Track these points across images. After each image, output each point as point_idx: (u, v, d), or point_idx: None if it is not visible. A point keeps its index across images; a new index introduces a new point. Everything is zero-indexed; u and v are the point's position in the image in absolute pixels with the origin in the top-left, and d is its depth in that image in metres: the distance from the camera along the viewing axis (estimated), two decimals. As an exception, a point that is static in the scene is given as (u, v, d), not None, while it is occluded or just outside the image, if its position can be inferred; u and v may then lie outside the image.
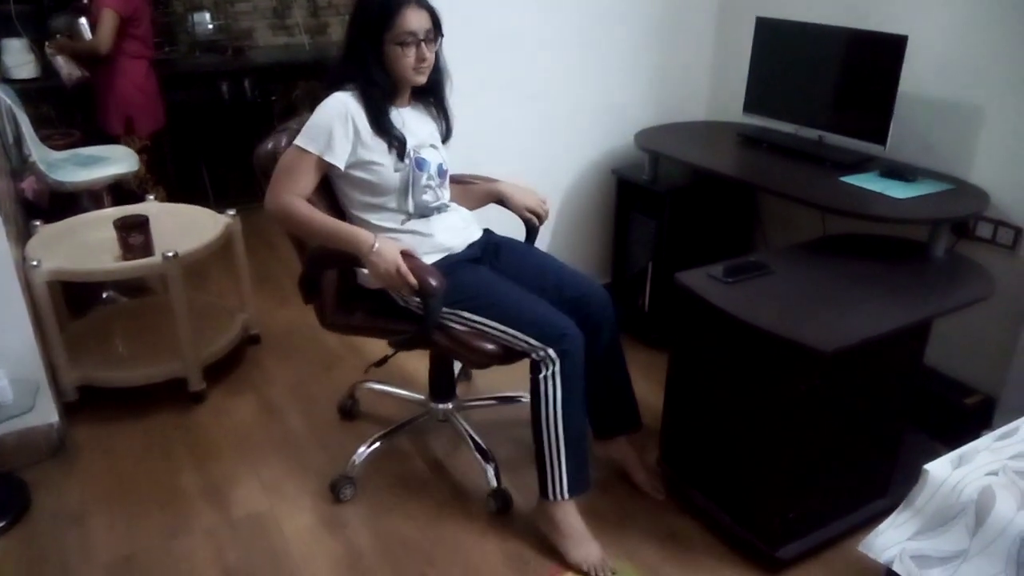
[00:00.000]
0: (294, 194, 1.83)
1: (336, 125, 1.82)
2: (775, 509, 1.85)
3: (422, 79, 1.89)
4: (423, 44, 1.83)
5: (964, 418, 2.29)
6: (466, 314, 1.87)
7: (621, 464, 2.19)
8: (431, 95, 2.01)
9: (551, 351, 1.80)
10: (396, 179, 1.89)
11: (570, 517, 1.92)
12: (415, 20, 1.81)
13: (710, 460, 2.01)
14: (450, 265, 1.92)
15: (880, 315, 1.78)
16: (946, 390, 2.37)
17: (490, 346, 1.87)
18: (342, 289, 2.00)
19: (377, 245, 1.77)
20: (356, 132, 1.84)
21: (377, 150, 1.87)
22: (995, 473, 1.41)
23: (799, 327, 1.69)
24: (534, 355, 1.83)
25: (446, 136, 2.07)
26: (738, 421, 1.88)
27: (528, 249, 2.12)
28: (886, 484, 2.04)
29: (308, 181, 1.85)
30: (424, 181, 1.93)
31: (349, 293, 2.00)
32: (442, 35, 1.89)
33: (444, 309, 1.87)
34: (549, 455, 1.87)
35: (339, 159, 1.84)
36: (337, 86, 1.87)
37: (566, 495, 1.88)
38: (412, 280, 1.75)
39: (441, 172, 1.98)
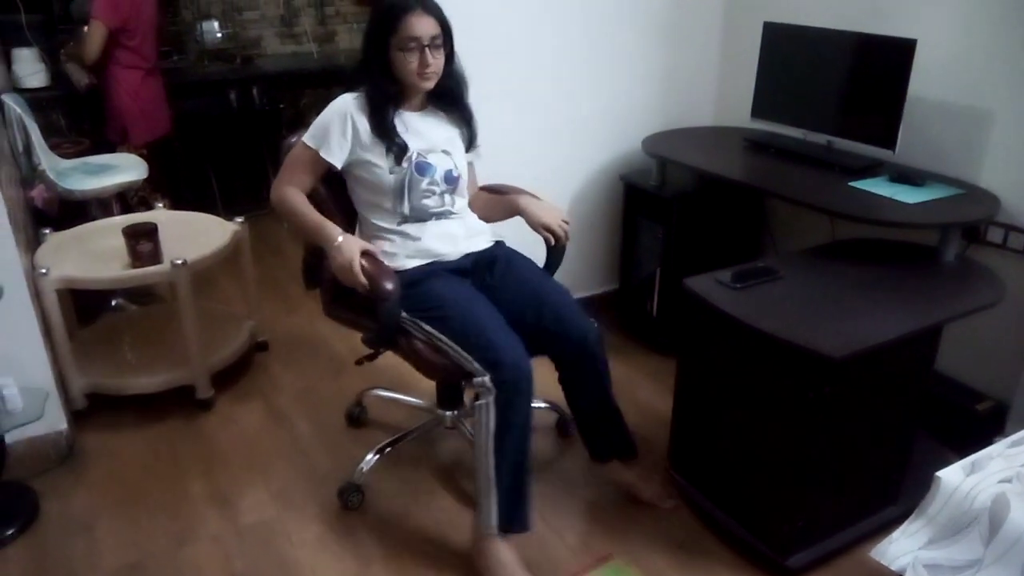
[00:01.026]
0: (292, 185, 1.93)
1: (335, 125, 1.89)
2: (785, 517, 1.83)
3: (428, 85, 1.90)
4: (428, 50, 1.83)
5: (976, 424, 2.27)
6: (424, 324, 1.87)
7: (623, 486, 2.15)
8: (450, 102, 2.00)
9: (487, 378, 1.75)
10: (391, 181, 1.91)
11: (500, 554, 1.82)
12: (419, 26, 1.82)
13: (719, 467, 1.99)
14: (427, 273, 1.92)
15: (890, 321, 1.76)
16: (957, 396, 2.35)
17: (441, 360, 1.84)
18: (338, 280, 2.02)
19: (340, 240, 1.82)
20: (355, 133, 1.89)
21: (375, 151, 1.90)
22: (1008, 480, 1.39)
23: (808, 333, 1.68)
24: (476, 379, 1.78)
25: (470, 144, 2.07)
26: (747, 428, 1.87)
27: (527, 269, 2.03)
28: (897, 491, 2.02)
29: (307, 174, 1.93)
30: (424, 185, 1.94)
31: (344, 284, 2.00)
32: (453, 42, 1.90)
33: (406, 316, 1.88)
34: (486, 484, 1.80)
35: (335, 157, 1.91)
36: (351, 88, 1.92)
37: (495, 531, 1.81)
38: (362, 279, 1.79)
39: (450, 178, 1.98)
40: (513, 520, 1.82)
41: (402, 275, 1.92)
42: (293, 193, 1.91)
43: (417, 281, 1.90)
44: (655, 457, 2.29)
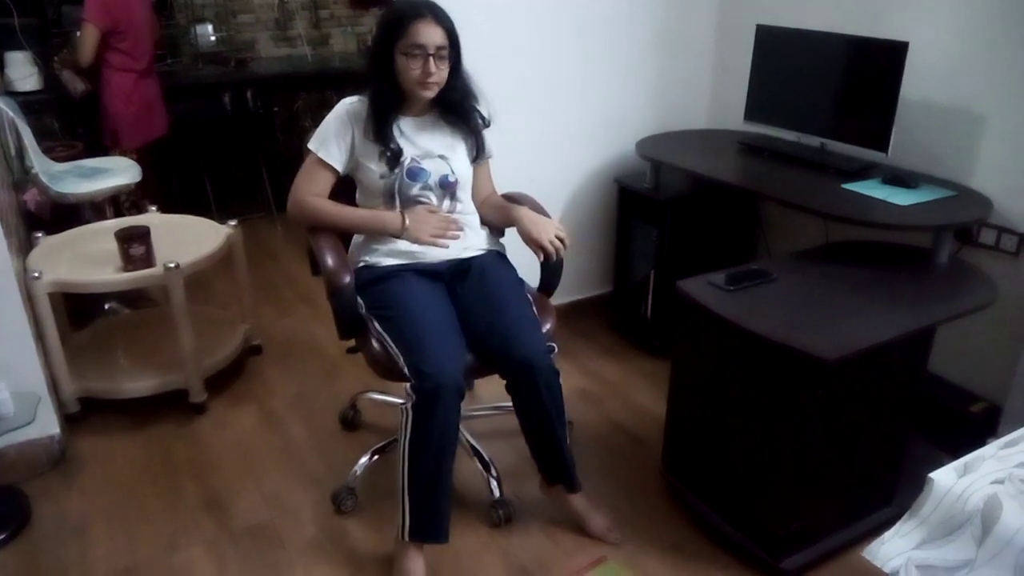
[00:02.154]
0: (313, 194, 1.95)
1: (333, 128, 1.93)
2: (778, 519, 1.83)
3: (429, 93, 1.89)
4: (432, 59, 1.83)
5: (969, 426, 2.27)
6: (376, 322, 1.88)
7: (569, 514, 2.05)
8: (454, 113, 1.99)
9: (408, 385, 1.75)
10: (381, 185, 1.94)
11: (408, 562, 1.83)
12: (426, 34, 1.82)
13: (713, 469, 1.99)
14: (394, 272, 1.93)
15: (883, 322, 1.77)
16: (951, 398, 2.35)
17: (386, 360, 1.85)
18: None
19: (407, 223, 1.94)
20: (352, 137, 1.92)
21: (370, 155, 1.93)
22: (1001, 482, 1.39)
23: (802, 335, 1.68)
24: (406, 384, 1.77)
25: (478, 154, 2.05)
26: (741, 430, 1.87)
27: (500, 283, 1.96)
28: (891, 493, 2.02)
29: (322, 179, 1.95)
30: (416, 191, 1.95)
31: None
32: (460, 55, 1.90)
33: (365, 312, 1.91)
34: (399, 489, 1.80)
35: (335, 160, 1.93)
36: (357, 91, 1.95)
37: (406, 537, 1.81)
38: (445, 232, 1.97)
39: (445, 183, 1.98)
40: (424, 529, 1.81)
41: (371, 271, 1.94)
42: (319, 201, 1.94)
43: (382, 279, 1.92)
44: (649, 459, 2.29)
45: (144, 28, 3.55)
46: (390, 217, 1.95)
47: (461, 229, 2.00)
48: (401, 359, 1.78)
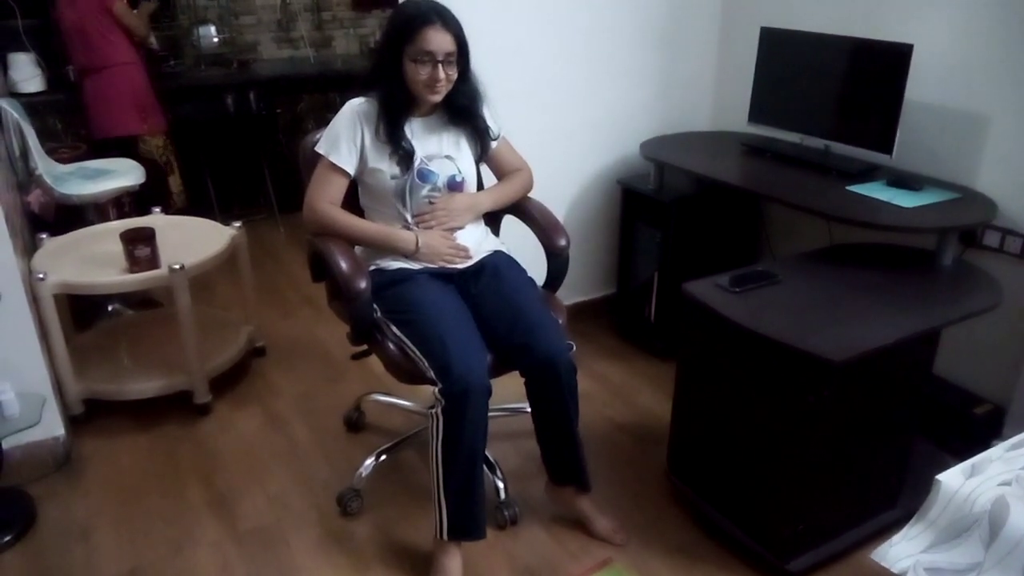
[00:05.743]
0: (327, 202, 1.93)
1: (343, 131, 1.91)
2: (784, 521, 1.83)
3: (436, 98, 1.90)
4: (441, 65, 1.83)
5: (973, 428, 2.27)
6: (393, 326, 1.88)
7: (574, 516, 2.07)
8: (461, 116, 1.99)
9: (437, 389, 1.75)
10: (392, 186, 1.93)
11: (447, 560, 1.85)
12: (435, 40, 1.81)
13: (719, 471, 1.99)
14: (408, 275, 1.93)
15: (888, 324, 1.77)
16: (955, 400, 2.35)
17: (406, 364, 1.85)
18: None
19: (421, 242, 1.93)
20: (362, 138, 1.92)
21: (380, 157, 1.92)
22: (1008, 483, 1.40)
23: (807, 337, 1.68)
24: (433, 388, 1.78)
25: (481, 156, 2.06)
26: (746, 432, 1.87)
27: (513, 281, 1.98)
28: (896, 495, 2.03)
29: (335, 185, 1.94)
30: (426, 192, 1.95)
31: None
32: (468, 60, 1.90)
33: (380, 316, 1.90)
34: (435, 491, 1.81)
35: (346, 163, 1.92)
36: (362, 92, 1.94)
37: (445, 536, 1.83)
38: (456, 252, 1.96)
39: (453, 184, 1.98)
40: (462, 528, 1.83)
41: (383, 274, 1.94)
42: (335, 211, 1.93)
43: (396, 282, 1.92)
44: (654, 462, 2.29)
45: (75, 32, 3.55)
46: (404, 237, 1.94)
47: (471, 258, 2.00)
48: (425, 363, 1.78)
